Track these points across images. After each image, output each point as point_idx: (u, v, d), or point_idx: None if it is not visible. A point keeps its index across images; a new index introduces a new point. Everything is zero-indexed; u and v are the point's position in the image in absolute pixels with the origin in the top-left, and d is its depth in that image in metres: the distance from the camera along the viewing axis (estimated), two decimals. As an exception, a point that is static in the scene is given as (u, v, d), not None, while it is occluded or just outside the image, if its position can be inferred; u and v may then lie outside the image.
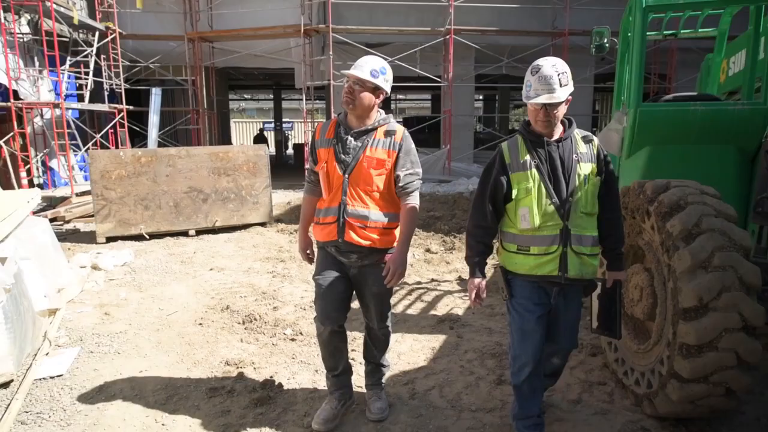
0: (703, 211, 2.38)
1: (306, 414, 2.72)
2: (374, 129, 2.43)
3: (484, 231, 2.31)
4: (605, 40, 4.05)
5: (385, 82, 2.42)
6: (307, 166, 2.58)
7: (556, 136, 2.23)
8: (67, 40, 10.47)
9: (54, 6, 9.00)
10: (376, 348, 2.72)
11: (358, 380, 2.97)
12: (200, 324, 4.01)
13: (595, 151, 2.27)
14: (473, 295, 2.30)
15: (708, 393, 2.30)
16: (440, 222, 7.56)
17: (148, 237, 6.84)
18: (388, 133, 2.44)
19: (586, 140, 2.29)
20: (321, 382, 3.02)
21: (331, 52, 11.03)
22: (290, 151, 22.74)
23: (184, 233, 7.08)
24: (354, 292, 2.60)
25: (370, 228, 2.40)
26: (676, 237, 2.39)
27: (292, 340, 3.70)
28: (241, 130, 28.53)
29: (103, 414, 2.78)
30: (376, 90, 2.39)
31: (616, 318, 2.33)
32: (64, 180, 10.04)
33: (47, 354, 3.45)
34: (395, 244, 2.47)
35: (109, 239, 6.72)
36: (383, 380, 2.80)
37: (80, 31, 10.81)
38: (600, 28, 4.11)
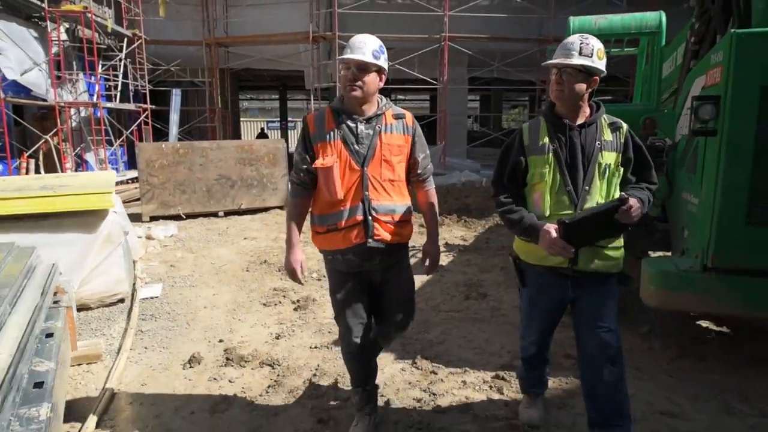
0: None
1: (320, 326, 4.04)
2: (382, 114, 2.27)
3: (512, 201, 2.19)
4: (557, 56, 5.48)
5: (385, 62, 2.25)
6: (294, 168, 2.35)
7: (580, 121, 2.13)
8: (102, 46, 11.89)
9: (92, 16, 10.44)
10: (385, 342, 2.64)
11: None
12: (247, 270, 5.42)
13: (623, 140, 2.15)
14: (558, 249, 2.02)
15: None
16: (434, 206, 8.98)
17: (184, 217, 8.25)
18: (398, 117, 2.30)
19: (614, 127, 2.17)
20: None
21: (337, 57, 12.47)
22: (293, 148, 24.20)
23: (215, 214, 8.49)
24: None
25: (397, 223, 2.25)
26: None
27: (318, 280, 5.11)
28: (245, 129, 30.03)
29: (195, 315, 4.20)
30: (379, 71, 2.22)
31: (585, 233, 2.03)
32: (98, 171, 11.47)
33: (141, 286, 4.87)
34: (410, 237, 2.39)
35: (152, 218, 8.14)
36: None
37: (110, 37, 12.24)
38: (552, 47, 5.54)
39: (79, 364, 3.33)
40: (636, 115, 4.35)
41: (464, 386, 2.99)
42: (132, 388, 3.07)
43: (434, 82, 13.31)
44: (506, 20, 13.08)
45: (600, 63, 2.08)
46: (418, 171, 2.34)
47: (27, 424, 1.77)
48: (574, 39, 2.09)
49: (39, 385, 1.97)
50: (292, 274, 2.40)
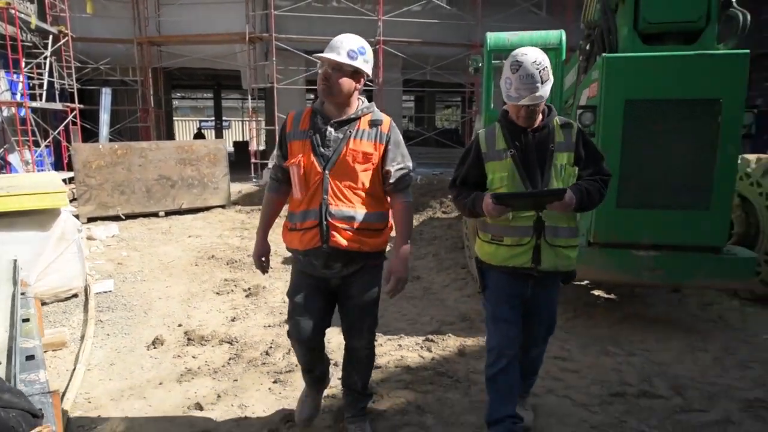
0: None
1: (283, 300, 4.58)
2: (357, 118, 2.22)
3: (467, 192, 2.33)
4: (479, 64, 6.21)
5: (365, 63, 2.18)
6: (270, 162, 2.39)
7: (535, 125, 2.22)
8: (26, 43, 11.55)
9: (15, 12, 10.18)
10: (357, 372, 2.50)
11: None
12: (196, 265, 5.77)
13: (574, 139, 2.24)
14: (495, 212, 2.14)
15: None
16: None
17: (124, 217, 8.36)
18: (374, 123, 2.23)
19: (565, 128, 2.25)
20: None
21: (274, 58, 12.79)
22: (230, 148, 24.04)
23: (155, 214, 8.64)
24: (335, 307, 2.44)
25: (357, 230, 2.21)
26: None
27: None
28: (178, 128, 29.37)
29: (152, 305, 4.54)
30: (355, 74, 2.16)
31: (517, 197, 2.18)
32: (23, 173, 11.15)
33: (92, 282, 5.11)
34: (384, 247, 2.34)
35: (90, 219, 8.18)
36: (365, 410, 2.60)
37: (34, 34, 11.89)
38: (475, 57, 6.29)
39: (45, 351, 3.62)
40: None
41: (400, 348, 3.59)
42: (102, 368, 3.42)
43: (370, 83, 13.92)
44: (437, 26, 13.91)
45: (552, 75, 2.16)
46: (391, 181, 2.25)
47: (31, 385, 2.17)
48: (531, 71, 2.08)
49: (30, 357, 2.37)
50: (257, 263, 2.47)
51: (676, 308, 4.37)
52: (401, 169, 2.28)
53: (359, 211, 2.23)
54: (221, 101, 22.60)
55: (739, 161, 4.36)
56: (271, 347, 3.64)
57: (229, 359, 3.50)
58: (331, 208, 2.20)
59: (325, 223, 2.20)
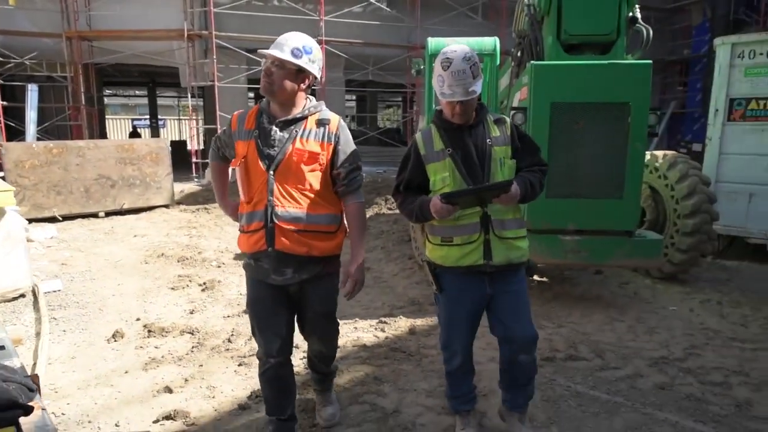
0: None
1: (239, 292, 4.76)
2: (304, 118, 2.17)
3: (412, 197, 2.34)
4: (421, 67, 6.61)
5: (311, 63, 2.13)
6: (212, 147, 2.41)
7: (470, 122, 2.26)
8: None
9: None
10: (321, 362, 2.60)
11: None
12: (146, 263, 5.81)
13: (509, 132, 2.29)
14: (443, 212, 2.16)
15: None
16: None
17: (61, 219, 8.13)
18: (321, 123, 2.18)
19: (499, 123, 2.30)
20: (242, 286, 5.12)
21: (214, 56, 12.70)
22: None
23: (95, 215, 8.46)
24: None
25: (304, 232, 2.15)
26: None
27: (218, 267, 5.69)
28: (110, 127, 28.10)
29: (105, 302, 4.60)
30: (299, 73, 2.11)
31: (463, 195, 2.18)
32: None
33: (39, 282, 5.06)
34: (338, 251, 2.30)
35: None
36: (332, 383, 2.73)
37: (-51, 25, 11.21)
38: (417, 60, 6.69)
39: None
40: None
41: (356, 330, 3.91)
42: (63, 361, 3.50)
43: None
44: (378, 27, 14.30)
45: (482, 72, 2.25)
46: (342, 182, 2.22)
47: (11, 372, 2.32)
48: (462, 66, 2.12)
49: (1, 347, 2.50)
50: (231, 216, 2.53)
51: (598, 287, 4.96)
52: (353, 170, 2.24)
53: (309, 213, 2.16)
54: (156, 99, 21.93)
55: (648, 157, 5.02)
56: (232, 335, 3.84)
57: (192, 347, 3.67)
58: (277, 209, 2.13)
59: (270, 225, 2.13)
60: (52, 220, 8.07)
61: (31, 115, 12.36)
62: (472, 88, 2.14)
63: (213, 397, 3.02)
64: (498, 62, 5.77)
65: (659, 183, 5.11)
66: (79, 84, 13.33)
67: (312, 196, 2.18)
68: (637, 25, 4.13)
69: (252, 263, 2.27)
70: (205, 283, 5.00)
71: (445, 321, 2.42)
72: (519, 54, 4.90)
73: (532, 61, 4.00)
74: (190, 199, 9.90)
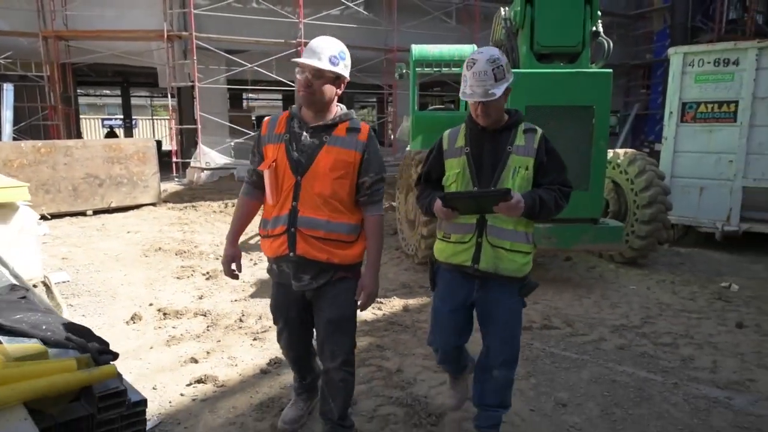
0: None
1: (243, 279, 5.16)
2: (335, 125, 2.20)
3: (428, 192, 2.41)
4: (403, 71, 7.13)
5: (346, 68, 2.19)
6: (248, 166, 2.39)
7: (498, 126, 2.26)
8: None
9: None
10: (333, 400, 2.36)
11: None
12: (146, 257, 6.15)
13: (536, 145, 2.24)
14: (442, 214, 2.25)
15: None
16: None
17: (50, 217, 8.34)
18: (351, 131, 2.21)
19: (528, 132, 2.27)
20: (249, 274, 5.53)
21: (194, 57, 12.96)
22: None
23: (83, 213, 8.68)
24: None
25: (325, 240, 2.17)
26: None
27: (216, 259, 6.08)
28: (83, 127, 27.79)
29: (116, 291, 4.95)
30: (337, 80, 2.16)
31: (461, 198, 2.22)
32: None
33: (48, 273, 5.37)
34: (357, 260, 2.28)
35: (13, 220, 8.08)
36: None
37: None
38: (400, 64, 7.20)
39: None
40: (461, 120, 6.14)
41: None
42: (90, 340, 3.87)
43: (292, 84, 14.51)
44: (355, 30, 14.78)
45: (510, 73, 2.21)
46: (366, 192, 2.22)
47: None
48: (484, 68, 2.12)
49: None
50: (226, 270, 2.38)
51: (568, 271, 5.57)
52: (378, 180, 2.25)
53: (331, 222, 2.18)
54: (130, 99, 21.87)
55: (611, 155, 5.65)
56: (243, 316, 4.27)
57: (207, 327, 4.09)
58: (300, 216, 2.17)
59: (292, 230, 2.17)
60: (42, 218, 8.27)
61: (6, 115, 12.41)
62: (492, 91, 2.13)
63: (235, 365, 3.46)
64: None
65: (621, 177, 5.76)
66: (55, 84, 13.40)
67: (336, 203, 2.19)
68: (600, 38, 4.74)
69: (275, 268, 2.33)
70: (208, 272, 5.40)
71: (433, 317, 2.49)
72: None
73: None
74: (175, 198, 10.18)
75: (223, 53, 13.35)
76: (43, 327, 2.21)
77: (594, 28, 4.67)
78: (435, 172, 2.42)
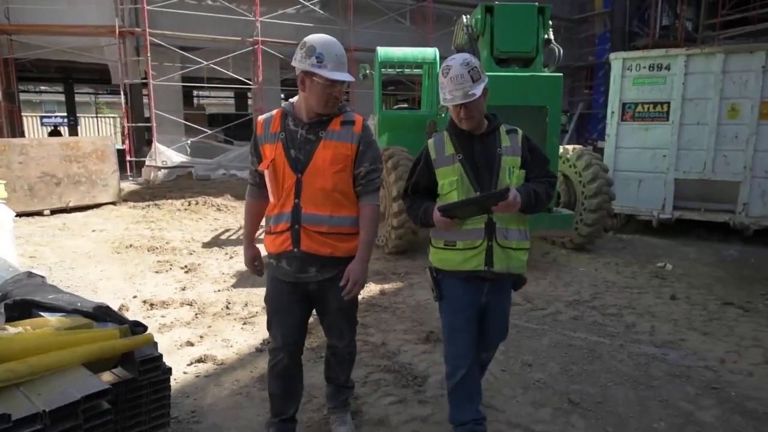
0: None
1: (221, 271, 5.43)
2: (329, 120, 2.27)
3: (415, 203, 2.43)
4: (367, 71, 7.53)
5: None
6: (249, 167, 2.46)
7: (482, 131, 2.33)
8: None
9: None
10: (340, 368, 2.60)
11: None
12: (118, 253, 6.27)
13: (519, 143, 2.35)
14: (442, 224, 2.27)
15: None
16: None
17: (5, 217, 8.20)
18: (346, 124, 2.28)
19: (510, 133, 2.36)
20: (227, 267, 5.78)
21: (148, 54, 12.86)
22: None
23: (39, 213, 8.58)
24: (313, 311, 2.48)
25: (329, 234, 2.25)
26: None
27: (190, 254, 6.28)
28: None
29: (96, 285, 5.10)
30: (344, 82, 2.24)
31: (461, 206, 2.25)
32: None
33: (19, 272, 5.42)
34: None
35: (-35, 221, 7.91)
36: (348, 401, 2.73)
37: None
38: (363, 65, 7.60)
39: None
40: (424, 119, 6.63)
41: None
42: (82, 330, 4.06)
43: (249, 82, 14.60)
44: (312, 29, 15.02)
45: (485, 75, 2.29)
46: (361, 182, 2.30)
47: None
48: (460, 71, 2.20)
49: None
50: (251, 269, 2.51)
51: (525, 257, 6.14)
52: (373, 170, 2.31)
53: (333, 215, 2.25)
54: (74, 96, 21.12)
55: (561, 150, 6.26)
56: (228, 304, 4.55)
57: (196, 314, 4.35)
58: (304, 212, 2.23)
59: (296, 226, 2.23)
60: (-4, 218, 8.12)
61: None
62: (471, 92, 2.20)
63: (230, 346, 3.75)
64: (438, 69, 6.81)
65: (570, 171, 6.38)
66: (-3, 79, 12.95)
67: (338, 196, 2.27)
68: (551, 45, 5.31)
69: (274, 263, 2.37)
70: (186, 266, 5.61)
71: (447, 331, 2.44)
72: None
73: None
74: (135, 197, 10.16)
75: (177, 50, 13.30)
76: (78, 304, 2.48)
77: (546, 36, 5.23)
78: (424, 184, 2.43)
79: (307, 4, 14.65)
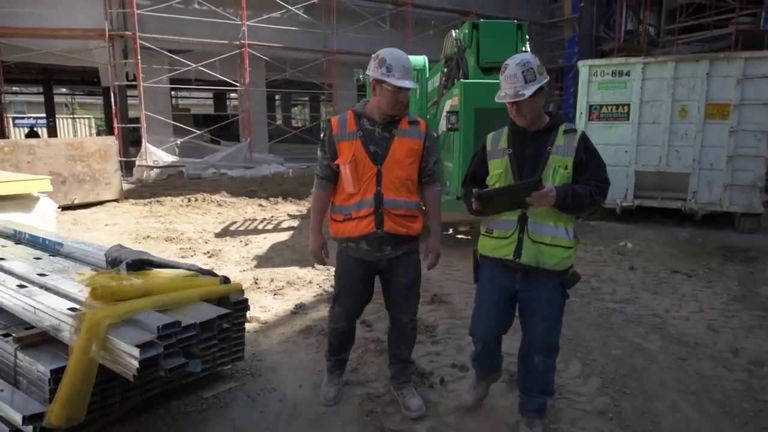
0: None
1: (241, 255, 6.19)
2: (399, 120, 2.66)
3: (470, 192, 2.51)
4: (360, 76, 8.36)
5: None
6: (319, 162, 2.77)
7: (538, 128, 2.44)
8: None
9: None
10: (405, 344, 2.94)
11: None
12: (139, 243, 6.95)
13: (575, 144, 2.39)
14: (473, 207, 2.46)
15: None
16: (258, 192, 11.17)
17: (15, 214, 8.75)
18: (412, 123, 2.69)
19: (568, 132, 2.42)
20: (246, 251, 6.55)
21: (138, 57, 13.41)
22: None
23: (47, 210, 9.14)
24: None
25: (405, 216, 2.65)
26: None
27: (206, 242, 7.01)
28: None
29: (131, 269, 5.79)
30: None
31: (494, 195, 2.41)
32: None
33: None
34: (421, 231, 2.76)
35: (-22, 217, 8.44)
36: (411, 378, 3.07)
37: None
38: (357, 70, 8.44)
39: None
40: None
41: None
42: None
43: (236, 83, 15.28)
44: (297, 32, 15.80)
45: (544, 76, 2.36)
46: (429, 172, 2.75)
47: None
48: (514, 71, 2.33)
49: None
50: (317, 257, 2.86)
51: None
52: (436, 162, 2.80)
53: (407, 200, 2.67)
54: (53, 97, 21.26)
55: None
56: (256, 281, 5.34)
57: (230, 289, 5.12)
58: (386, 198, 2.61)
59: (380, 211, 2.61)
60: (6, 215, 8.67)
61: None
62: (521, 92, 2.32)
63: (268, 311, 4.56)
64: (427, 75, 7.73)
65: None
66: (-16, 81, 13.31)
67: (409, 184, 2.70)
68: (528, 55, 6.24)
69: (352, 245, 2.73)
70: (208, 252, 6.36)
71: (475, 308, 2.69)
72: (447, 71, 6.86)
73: (461, 80, 5.96)
74: (134, 195, 10.76)
75: (166, 53, 13.88)
76: (178, 261, 3.28)
77: (524, 48, 6.17)
78: (479, 173, 2.64)
79: (292, 8, 15.40)
